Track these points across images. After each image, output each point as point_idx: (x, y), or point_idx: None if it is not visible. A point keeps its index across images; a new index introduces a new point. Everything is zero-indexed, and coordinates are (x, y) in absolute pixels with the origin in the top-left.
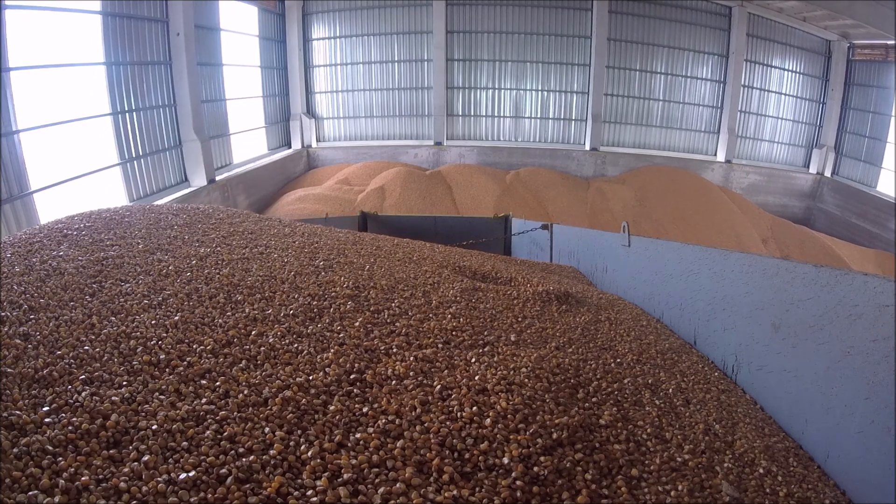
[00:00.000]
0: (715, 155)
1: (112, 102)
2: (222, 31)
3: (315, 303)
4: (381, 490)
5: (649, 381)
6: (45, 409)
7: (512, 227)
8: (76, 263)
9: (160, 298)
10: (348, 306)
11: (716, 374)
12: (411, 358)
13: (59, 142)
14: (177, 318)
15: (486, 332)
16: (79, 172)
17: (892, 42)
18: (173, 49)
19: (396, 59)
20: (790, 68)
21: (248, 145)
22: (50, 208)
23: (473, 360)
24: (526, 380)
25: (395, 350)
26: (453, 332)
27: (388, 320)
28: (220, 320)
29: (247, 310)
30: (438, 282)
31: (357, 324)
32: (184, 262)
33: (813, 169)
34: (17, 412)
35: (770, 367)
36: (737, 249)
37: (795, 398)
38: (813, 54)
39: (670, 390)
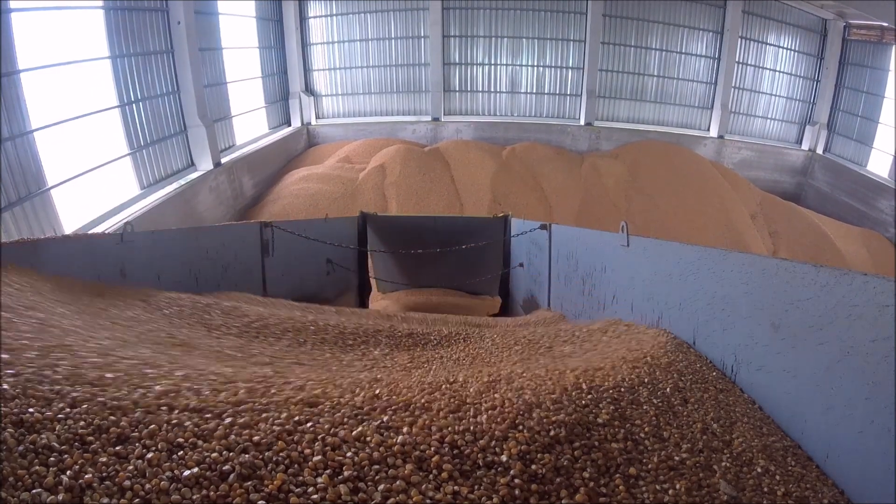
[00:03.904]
0: (708, 130)
1: (118, 94)
2: (220, 15)
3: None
4: (381, 487)
5: (646, 380)
6: (60, 404)
7: (511, 227)
8: None
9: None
10: None
11: (714, 373)
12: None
13: (70, 137)
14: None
15: (489, 358)
16: (91, 165)
17: (888, 24)
18: (175, 37)
19: (393, 35)
20: (785, 46)
21: (250, 125)
22: (67, 203)
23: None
24: (526, 382)
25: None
26: (459, 360)
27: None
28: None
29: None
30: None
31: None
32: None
33: (805, 145)
34: (31, 410)
35: (770, 367)
36: (725, 224)
37: (795, 398)
38: (808, 32)
39: (668, 389)
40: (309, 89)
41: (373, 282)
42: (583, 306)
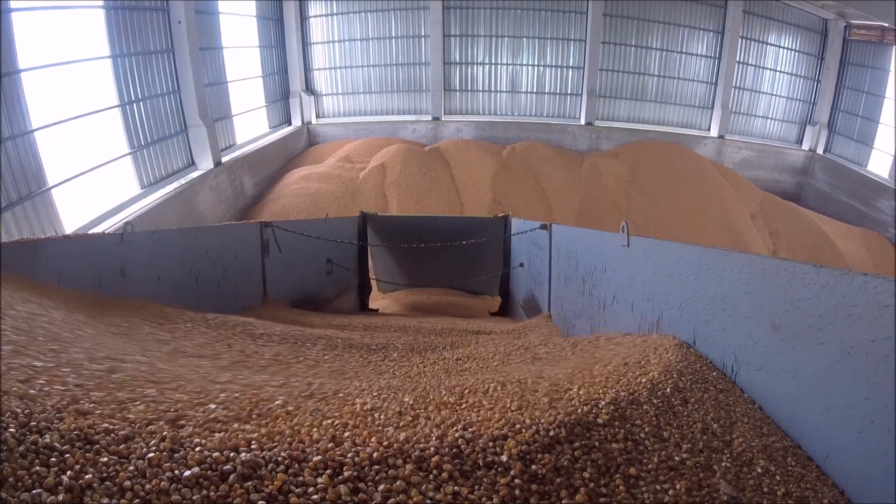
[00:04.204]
0: (708, 130)
1: (119, 94)
2: (221, 14)
3: None
4: (381, 487)
5: (644, 381)
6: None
7: (511, 227)
8: None
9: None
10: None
11: (714, 373)
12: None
13: (70, 137)
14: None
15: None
16: (92, 165)
17: (888, 24)
18: (175, 37)
19: (393, 35)
20: (786, 45)
21: (250, 124)
22: (67, 203)
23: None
24: (524, 380)
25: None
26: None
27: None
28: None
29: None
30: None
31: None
32: None
33: (805, 145)
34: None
35: (770, 367)
36: (725, 224)
37: (795, 398)
38: (809, 32)
39: (668, 389)
40: (309, 88)
41: (373, 282)
42: (583, 306)
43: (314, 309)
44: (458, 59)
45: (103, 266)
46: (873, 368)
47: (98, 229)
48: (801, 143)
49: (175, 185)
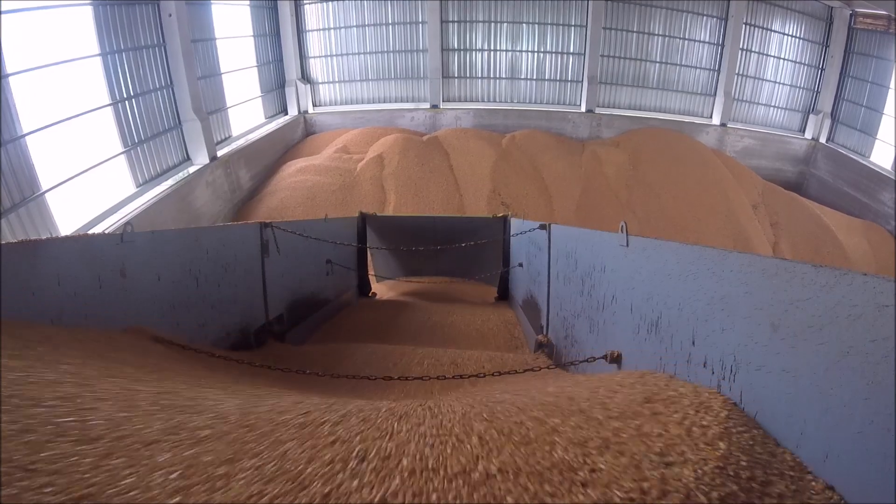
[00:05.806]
0: (710, 118)
1: (110, 92)
2: (213, 3)
3: None
4: None
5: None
6: None
7: (510, 227)
8: None
9: None
10: None
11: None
12: None
13: (63, 138)
14: None
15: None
16: (86, 166)
17: (891, 14)
18: (166, 30)
19: (390, 21)
20: (790, 33)
21: (246, 115)
22: (62, 206)
23: None
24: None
25: None
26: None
27: None
28: None
29: None
30: None
31: None
32: None
33: (808, 134)
34: None
35: (769, 367)
36: (726, 215)
37: (794, 398)
38: (814, 19)
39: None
40: (305, 77)
41: (373, 281)
42: (582, 306)
43: (314, 308)
44: (456, 46)
45: (103, 267)
46: (873, 369)
47: (95, 230)
48: (803, 132)
49: (171, 181)
